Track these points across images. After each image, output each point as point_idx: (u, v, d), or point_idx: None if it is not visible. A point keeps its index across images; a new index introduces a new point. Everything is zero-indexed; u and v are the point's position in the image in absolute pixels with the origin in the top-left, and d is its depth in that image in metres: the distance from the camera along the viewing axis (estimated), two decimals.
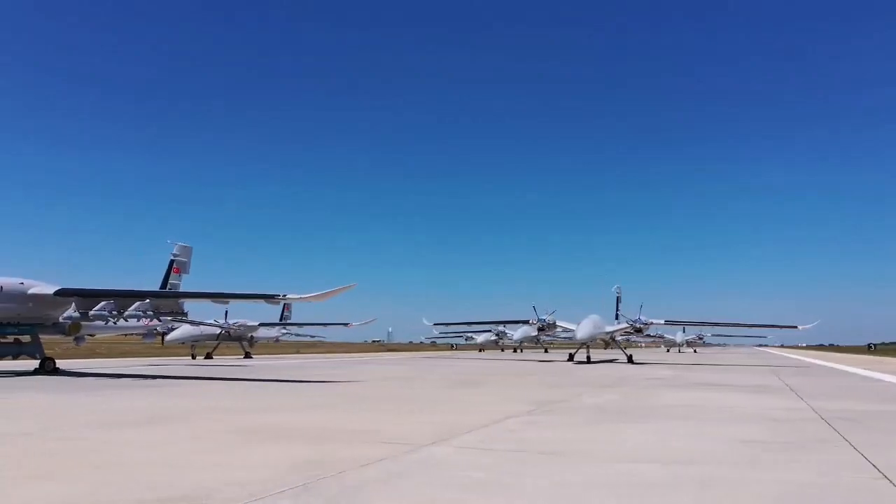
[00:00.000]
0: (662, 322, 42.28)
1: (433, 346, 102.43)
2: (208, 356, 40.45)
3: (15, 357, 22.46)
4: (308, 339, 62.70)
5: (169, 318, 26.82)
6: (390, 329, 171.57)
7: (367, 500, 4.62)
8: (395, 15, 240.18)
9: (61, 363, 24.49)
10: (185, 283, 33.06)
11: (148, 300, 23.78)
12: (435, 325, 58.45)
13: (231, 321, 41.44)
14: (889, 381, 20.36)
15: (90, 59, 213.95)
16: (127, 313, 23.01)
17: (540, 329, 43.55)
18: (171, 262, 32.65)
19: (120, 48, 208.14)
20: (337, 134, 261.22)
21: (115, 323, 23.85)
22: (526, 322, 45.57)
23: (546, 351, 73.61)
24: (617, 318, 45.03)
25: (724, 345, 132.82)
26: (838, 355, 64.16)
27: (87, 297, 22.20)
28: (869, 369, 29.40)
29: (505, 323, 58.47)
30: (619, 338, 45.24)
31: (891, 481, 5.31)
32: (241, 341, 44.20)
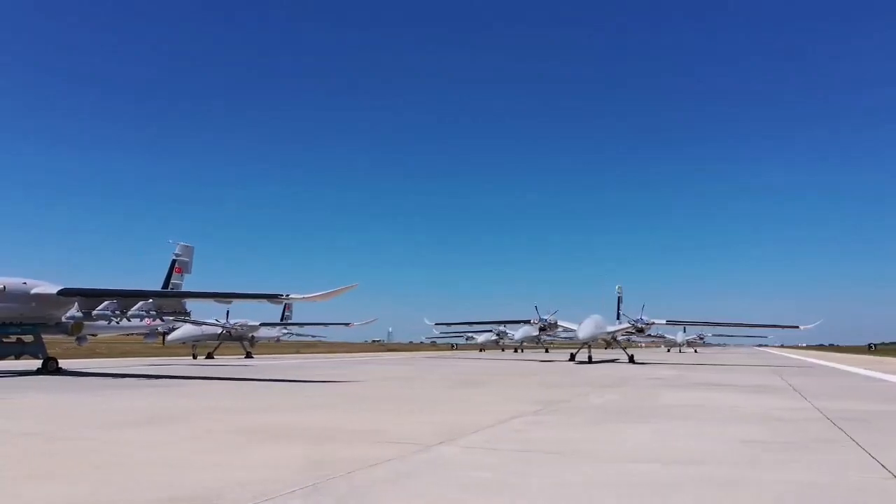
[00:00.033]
0: (664, 322, 42.32)
1: (433, 345, 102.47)
2: (209, 356, 40.47)
3: (17, 357, 22.46)
4: (309, 339, 62.75)
5: (171, 318, 26.83)
6: (390, 329, 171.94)
7: (377, 500, 4.62)
8: (395, 15, 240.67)
9: (62, 363, 24.49)
10: (187, 283, 33.11)
11: (151, 300, 23.79)
12: (436, 324, 58.51)
13: (232, 321, 41.47)
14: (892, 381, 20.36)
15: (90, 59, 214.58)
16: (130, 313, 23.01)
17: (542, 329, 43.58)
18: (173, 261, 32.67)
19: (120, 48, 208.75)
20: (337, 134, 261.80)
21: (118, 322, 23.86)
22: (527, 322, 45.60)
23: (547, 351, 73.60)
24: (618, 317, 45.05)
25: (724, 345, 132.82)
26: (839, 355, 64.14)
27: (90, 296, 22.19)
28: (871, 369, 29.40)
29: (506, 323, 58.48)
30: (620, 338, 45.26)
31: None
32: (242, 341, 44.22)
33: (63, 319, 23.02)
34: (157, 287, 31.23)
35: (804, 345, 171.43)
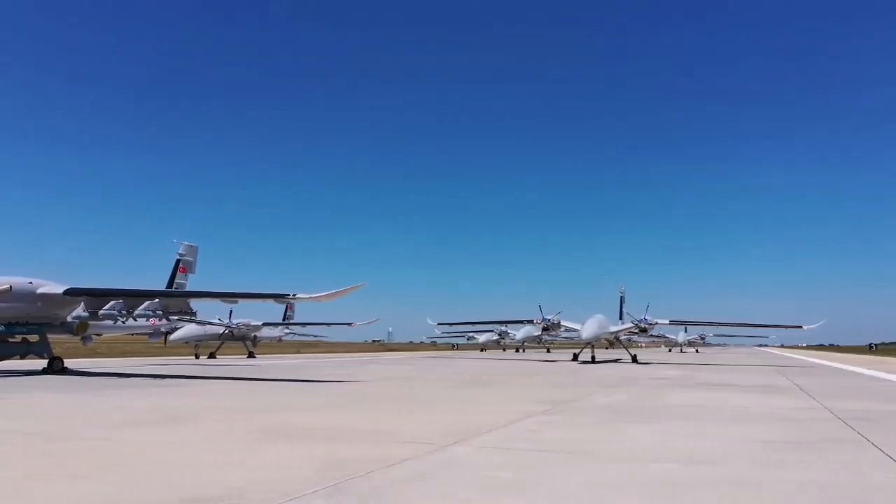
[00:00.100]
0: (667, 322, 42.31)
1: (434, 345, 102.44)
2: (212, 356, 40.49)
3: (23, 356, 22.47)
4: (311, 338, 62.73)
5: (177, 318, 26.82)
6: (390, 329, 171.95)
7: (400, 500, 4.63)
8: (395, 15, 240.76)
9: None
10: (192, 283, 33.13)
11: (158, 300, 23.77)
12: (439, 324, 58.52)
13: (235, 321, 41.48)
14: None
15: (90, 59, 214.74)
16: (136, 313, 23.00)
17: (544, 329, 43.63)
18: (178, 261, 32.66)
19: (120, 48, 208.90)
20: (337, 134, 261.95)
21: (124, 322, 23.85)
22: (529, 322, 45.66)
23: (548, 351, 73.59)
24: (621, 317, 45.08)
25: (725, 345, 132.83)
26: (840, 355, 64.16)
27: (96, 296, 22.18)
28: (873, 369, 29.42)
29: (508, 323, 58.49)
30: (623, 337, 45.30)
31: None
32: (244, 341, 44.22)
33: (68, 319, 23.00)
34: (162, 287, 31.25)
35: (804, 345, 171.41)
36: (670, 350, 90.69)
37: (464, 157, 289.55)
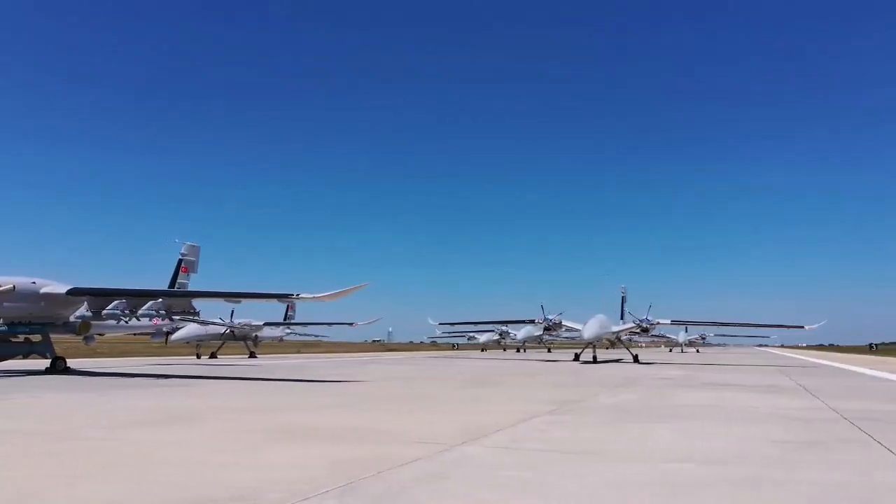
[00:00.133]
0: (669, 322, 42.29)
1: (434, 345, 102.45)
2: (213, 356, 40.49)
3: (26, 356, 22.45)
4: (312, 338, 62.72)
5: (179, 318, 26.78)
6: (390, 329, 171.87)
7: (414, 500, 4.60)
8: (395, 15, 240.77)
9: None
10: (194, 283, 33.10)
11: (161, 299, 23.74)
12: (440, 324, 58.51)
13: (236, 321, 41.46)
14: None
15: (90, 59, 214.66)
16: (140, 312, 22.96)
17: (546, 329, 43.63)
18: (180, 261, 32.66)
19: (120, 48, 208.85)
20: (337, 134, 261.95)
21: (127, 322, 23.82)
22: (531, 322, 45.67)
23: (549, 351, 73.60)
24: (622, 317, 45.07)
25: (725, 345, 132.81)
26: (841, 355, 64.14)
27: (99, 296, 22.14)
28: (875, 369, 29.39)
29: (509, 322, 58.49)
30: (624, 337, 45.28)
31: None
32: (245, 341, 44.19)
33: (71, 319, 22.98)
34: (164, 286, 31.23)
35: (804, 345, 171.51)
36: (671, 350, 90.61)
37: (464, 157, 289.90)
